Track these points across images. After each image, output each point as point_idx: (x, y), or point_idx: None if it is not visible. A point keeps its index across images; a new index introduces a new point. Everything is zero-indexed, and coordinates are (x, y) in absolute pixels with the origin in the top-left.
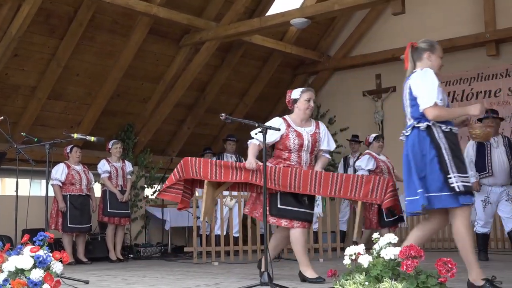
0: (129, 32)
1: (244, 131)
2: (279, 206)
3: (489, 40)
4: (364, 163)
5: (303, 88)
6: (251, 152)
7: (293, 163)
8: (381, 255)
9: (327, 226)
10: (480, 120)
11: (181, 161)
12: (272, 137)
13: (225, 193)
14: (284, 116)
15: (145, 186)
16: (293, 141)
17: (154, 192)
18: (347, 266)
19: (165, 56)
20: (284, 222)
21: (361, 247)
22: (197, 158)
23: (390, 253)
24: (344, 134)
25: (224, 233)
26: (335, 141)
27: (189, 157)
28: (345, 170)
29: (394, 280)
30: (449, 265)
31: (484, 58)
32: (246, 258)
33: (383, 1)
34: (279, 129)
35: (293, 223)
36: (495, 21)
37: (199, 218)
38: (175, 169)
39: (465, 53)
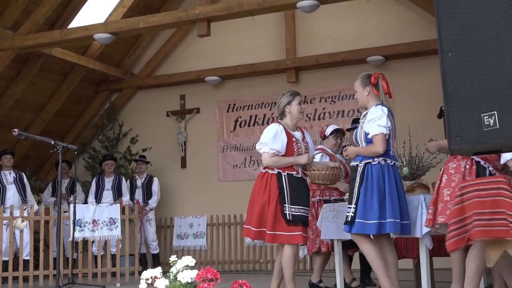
0: None
1: (39, 148)
2: None
3: (290, 67)
4: None
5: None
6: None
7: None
8: (178, 279)
9: (125, 249)
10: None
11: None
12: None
13: (16, 214)
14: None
15: None
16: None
17: None
18: None
19: None
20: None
21: (157, 271)
22: None
23: (187, 276)
24: (147, 154)
25: (13, 256)
26: (135, 161)
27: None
28: (132, 192)
29: None
30: (245, 287)
31: (284, 84)
32: (37, 284)
33: (189, 23)
34: (59, 145)
35: None
36: (296, 49)
37: None
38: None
39: (267, 78)
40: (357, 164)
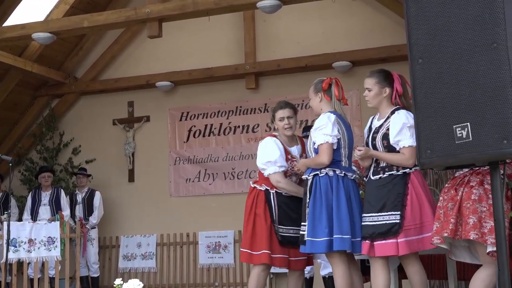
0: None
1: None
2: None
3: (249, 72)
4: None
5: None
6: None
7: None
8: None
9: (66, 272)
10: None
11: None
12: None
13: None
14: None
15: None
16: None
17: None
18: None
19: None
20: None
21: None
22: None
23: None
24: (91, 166)
25: None
26: (75, 174)
27: None
28: (73, 208)
29: None
30: None
31: (243, 91)
32: None
33: (139, 22)
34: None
35: None
36: (256, 53)
37: None
38: None
39: (224, 84)
40: (306, 178)
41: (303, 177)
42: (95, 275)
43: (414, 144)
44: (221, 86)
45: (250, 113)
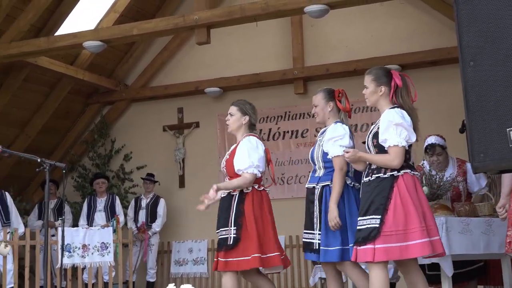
0: None
1: (24, 167)
2: None
3: (297, 77)
4: None
5: None
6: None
7: None
8: None
9: (119, 277)
10: None
11: None
12: None
13: None
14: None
15: None
16: None
17: None
18: None
19: None
20: None
21: None
22: None
23: None
24: (141, 172)
25: None
26: (131, 180)
27: None
28: (136, 212)
29: None
30: None
31: (291, 96)
32: None
33: (187, 29)
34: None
35: None
36: (304, 57)
37: None
38: None
39: (273, 89)
40: (314, 186)
41: (306, 186)
42: (152, 280)
43: (401, 144)
44: (270, 91)
45: (299, 118)
